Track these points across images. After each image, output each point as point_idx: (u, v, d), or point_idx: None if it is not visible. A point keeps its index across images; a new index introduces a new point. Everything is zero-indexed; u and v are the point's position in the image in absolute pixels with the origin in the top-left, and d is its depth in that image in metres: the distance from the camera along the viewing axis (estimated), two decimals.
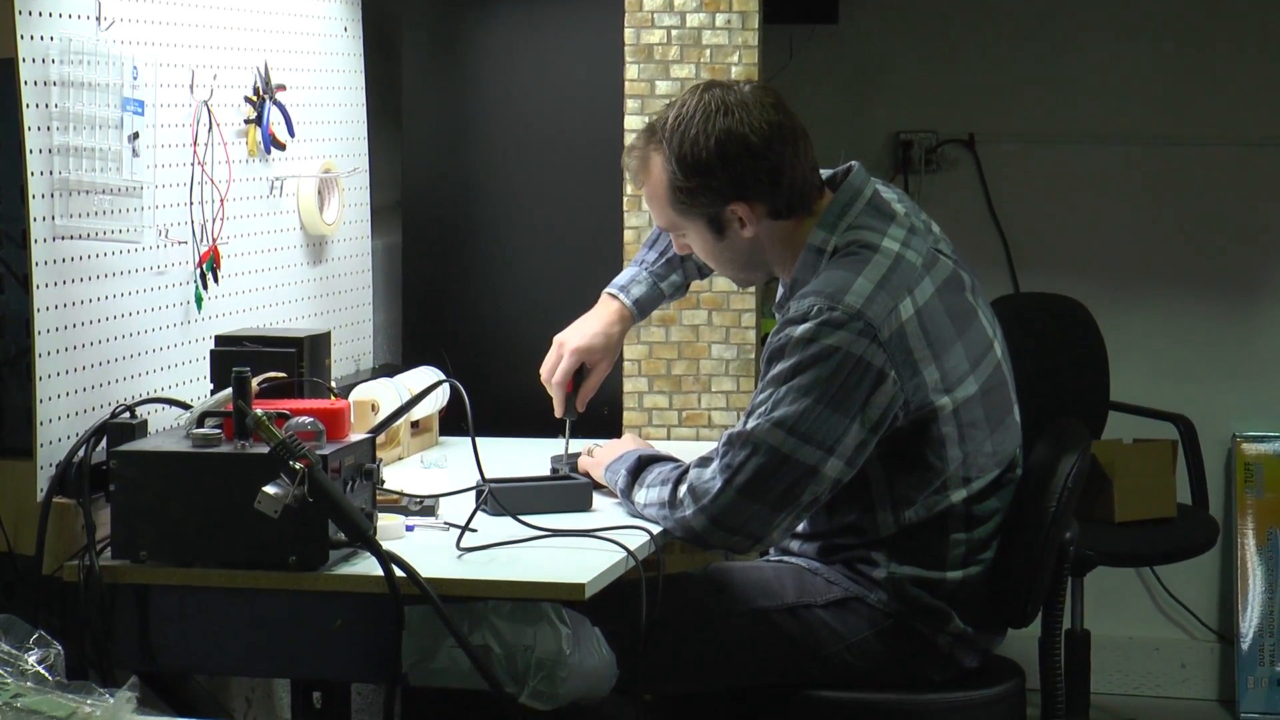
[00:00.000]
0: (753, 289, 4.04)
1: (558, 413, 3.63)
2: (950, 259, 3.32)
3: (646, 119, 4.03)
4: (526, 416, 3.80)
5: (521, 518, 3.17)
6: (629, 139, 4.05)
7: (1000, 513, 3.29)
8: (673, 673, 3.25)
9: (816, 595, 3.29)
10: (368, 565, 2.92)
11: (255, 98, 3.62)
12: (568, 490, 3.38)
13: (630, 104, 4.08)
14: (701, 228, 3.31)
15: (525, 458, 3.67)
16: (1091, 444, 3.44)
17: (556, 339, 3.64)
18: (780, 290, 3.44)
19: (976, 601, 3.28)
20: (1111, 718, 5.62)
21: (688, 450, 3.45)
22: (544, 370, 3.63)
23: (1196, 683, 5.83)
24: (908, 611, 3.26)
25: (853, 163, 3.36)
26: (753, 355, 4.08)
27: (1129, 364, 5.58)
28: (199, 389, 3.39)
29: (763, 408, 3.16)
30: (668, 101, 3.39)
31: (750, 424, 3.16)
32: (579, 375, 3.62)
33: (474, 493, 3.28)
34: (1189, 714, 5.76)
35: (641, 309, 3.69)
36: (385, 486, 3.20)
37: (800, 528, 3.32)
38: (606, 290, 3.69)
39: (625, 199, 4.07)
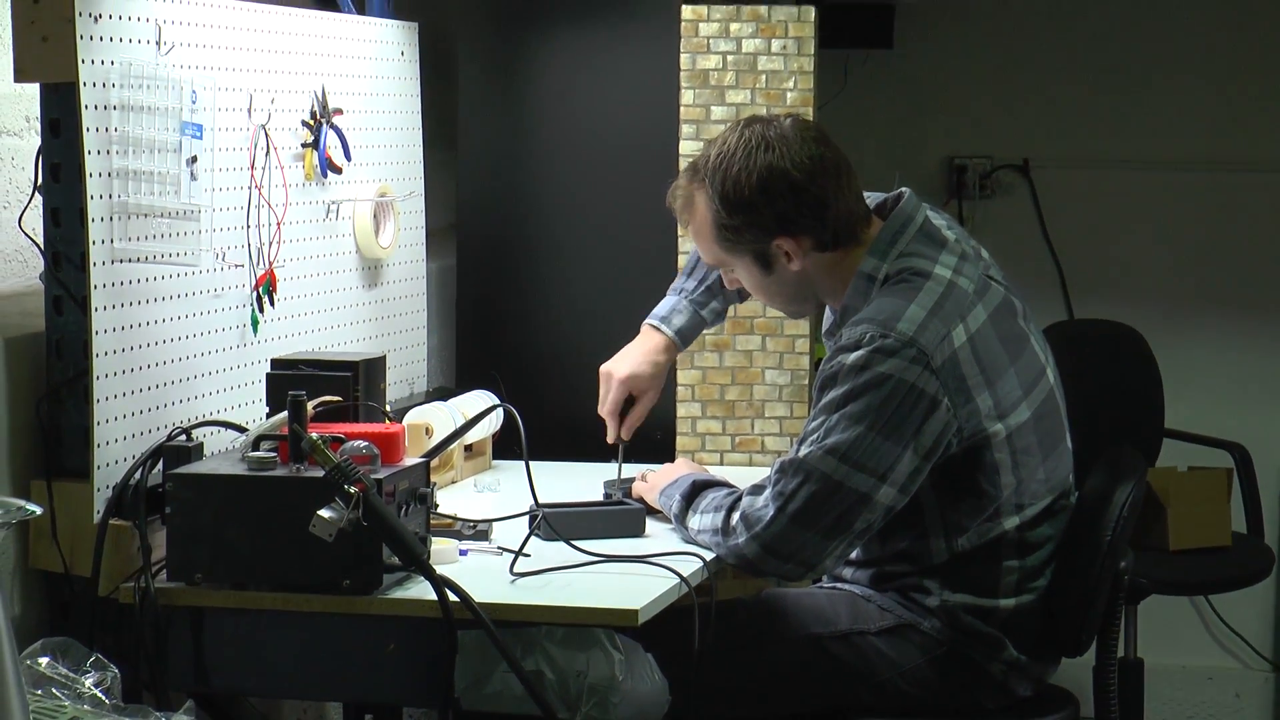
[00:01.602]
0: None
1: (609, 440, 3.64)
2: (1002, 285, 3.31)
3: (701, 144, 4.04)
4: (580, 441, 3.80)
5: (575, 543, 3.17)
6: (683, 164, 4.05)
7: (1053, 540, 3.28)
8: (725, 699, 3.24)
9: (870, 622, 3.28)
10: (421, 589, 2.92)
11: (312, 122, 3.63)
12: (621, 515, 3.38)
13: (685, 129, 4.08)
14: (749, 263, 3.31)
15: (579, 482, 3.67)
16: (1146, 472, 3.42)
17: (603, 370, 3.66)
18: (828, 317, 3.43)
19: (1030, 629, 3.27)
20: None
21: (741, 476, 3.45)
22: (600, 403, 3.66)
23: (1250, 712, 5.79)
24: (961, 639, 3.25)
25: (903, 189, 3.35)
26: (806, 381, 4.08)
27: (1184, 391, 5.55)
28: (255, 412, 3.40)
29: (815, 435, 3.15)
30: (719, 132, 3.39)
31: (803, 451, 3.15)
32: (627, 404, 3.64)
33: (528, 517, 3.28)
34: None
35: (684, 338, 3.69)
36: (439, 510, 3.20)
37: (853, 555, 3.31)
38: (647, 321, 3.70)
39: (680, 225, 4.06)
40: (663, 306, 3.72)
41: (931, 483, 3.18)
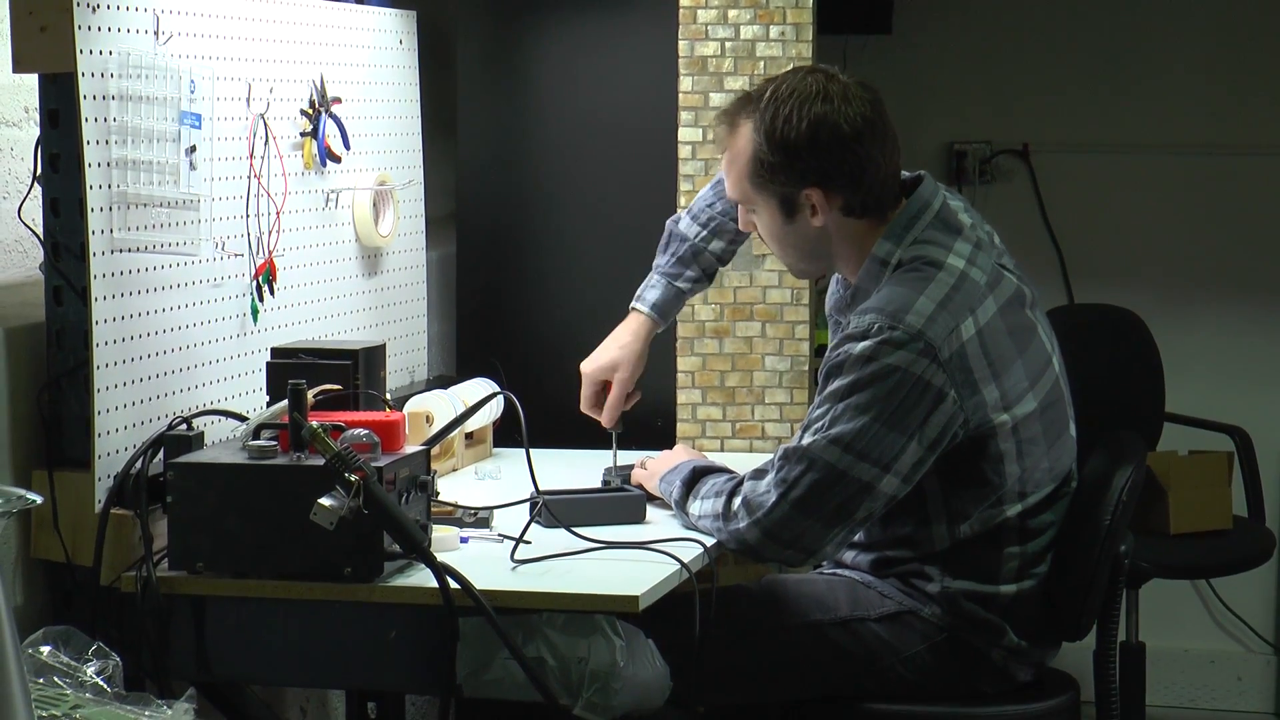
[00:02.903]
0: (805, 301, 4.05)
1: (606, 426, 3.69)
2: (1014, 274, 3.30)
3: (701, 131, 4.04)
4: (580, 428, 3.81)
5: (575, 530, 3.18)
6: (683, 151, 4.06)
7: (1054, 526, 3.28)
8: (725, 684, 3.25)
9: (870, 609, 3.28)
10: (422, 577, 2.93)
11: (311, 111, 3.63)
12: (622, 502, 3.39)
13: (684, 116, 4.08)
14: (773, 207, 3.29)
15: (579, 469, 3.67)
16: (1147, 456, 3.42)
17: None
18: (832, 293, 3.43)
19: (1030, 615, 3.27)
20: None
21: (741, 462, 3.45)
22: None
23: (1252, 695, 5.80)
24: (961, 625, 3.26)
25: (921, 172, 3.34)
26: (806, 367, 4.08)
27: (1184, 375, 5.56)
28: (255, 401, 3.41)
29: (819, 424, 3.15)
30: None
31: (806, 440, 3.15)
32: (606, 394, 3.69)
33: (528, 505, 3.29)
34: None
35: (660, 310, 3.71)
36: (440, 498, 3.21)
37: (855, 539, 3.32)
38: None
39: (679, 209, 4.07)
40: (640, 287, 3.74)
41: (936, 470, 3.18)
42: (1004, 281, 3.26)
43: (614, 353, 3.68)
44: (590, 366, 3.70)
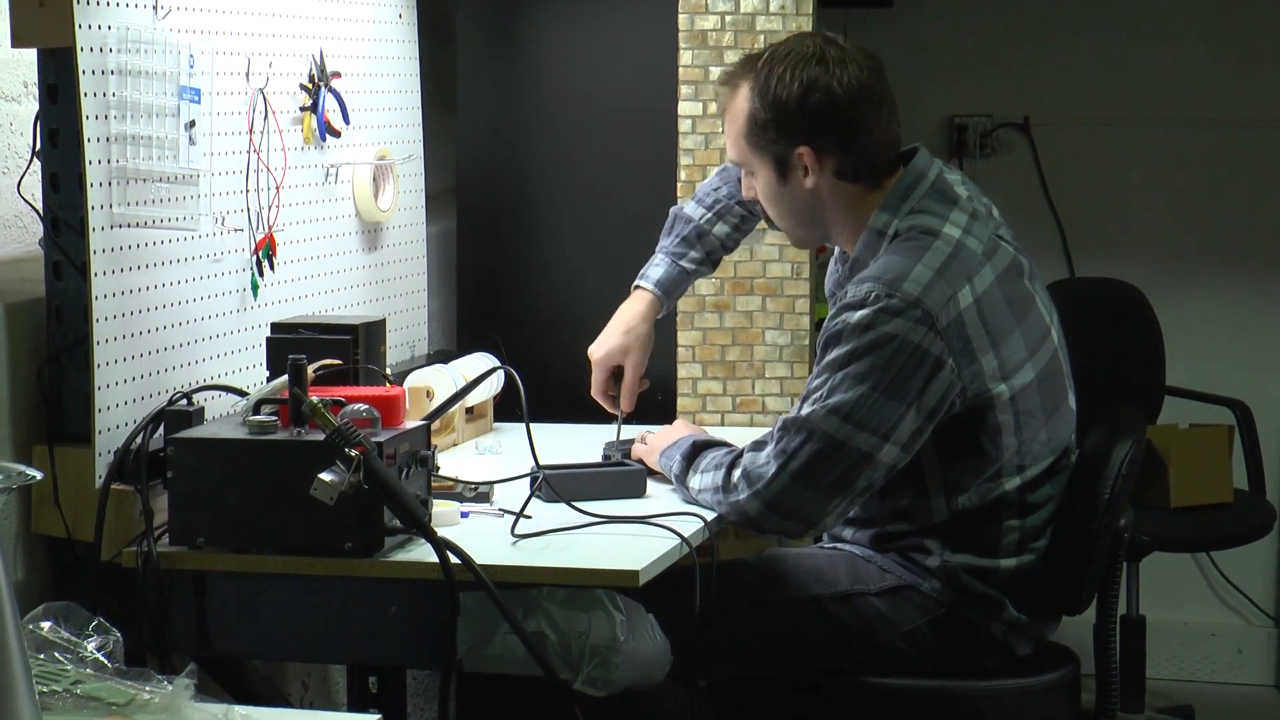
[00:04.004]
0: (806, 275, 4.04)
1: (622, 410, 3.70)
2: (1011, 245, 3.30)
3: (701, 105, 4.04)
4: (581, 402, 3.81)
5: (576, 504, 3.18)
6: (684, 125, 4.06)
7: (1054, 500, 3.29)
8: (725, 659, 3.26)
9: (870, 583, 3.29)
10: (423, 552, 2.93)
11: (310, 85, 3.63)
12: (622, 477, 3.39)
13: (684, 90, 4.08)
14: (769, 168, 3.31)
15: (580, 444, 3.67)
16: (1147, 429, 3.42)
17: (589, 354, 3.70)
18: (831, 274, 3.44)
19: (1030, 589, 3.27)
20: (1167, 703, 5.59)
21: (742, 437, 3.45)
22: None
23: (1253, 668, 5.81)
24: (961, 600, 3.26)
25: (916, 145, 3.35)
26: (807, 341, 4.08)
27: (1185, 349, 5.56)
28: (255, 376, 3.41)
29: (818, 394, 3.16)
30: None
31: (805, 410, 3.16)
32: (619, 377, 3.69)
33: (528, 479, 3.28)
34: (1245, 699, 5.74)
35: (664, 288, 3.71)
36: (440, 473, 3.21)
37: (853, 514, 3.32)
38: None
39: (679, 185, 4.07)
40: (645, 266, 3.75)
41: (933, 442, 3.19)
42: (1001, 251, 3.26)
43: (621, 338, 3.69)
44: (600, 352, 3.69)
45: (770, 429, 3.23)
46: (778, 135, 3.27)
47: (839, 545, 3.39)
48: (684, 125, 4.08)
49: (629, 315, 3.71)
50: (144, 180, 3.11)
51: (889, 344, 3.12)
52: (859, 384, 3.12)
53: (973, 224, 3.26)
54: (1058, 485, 3.29)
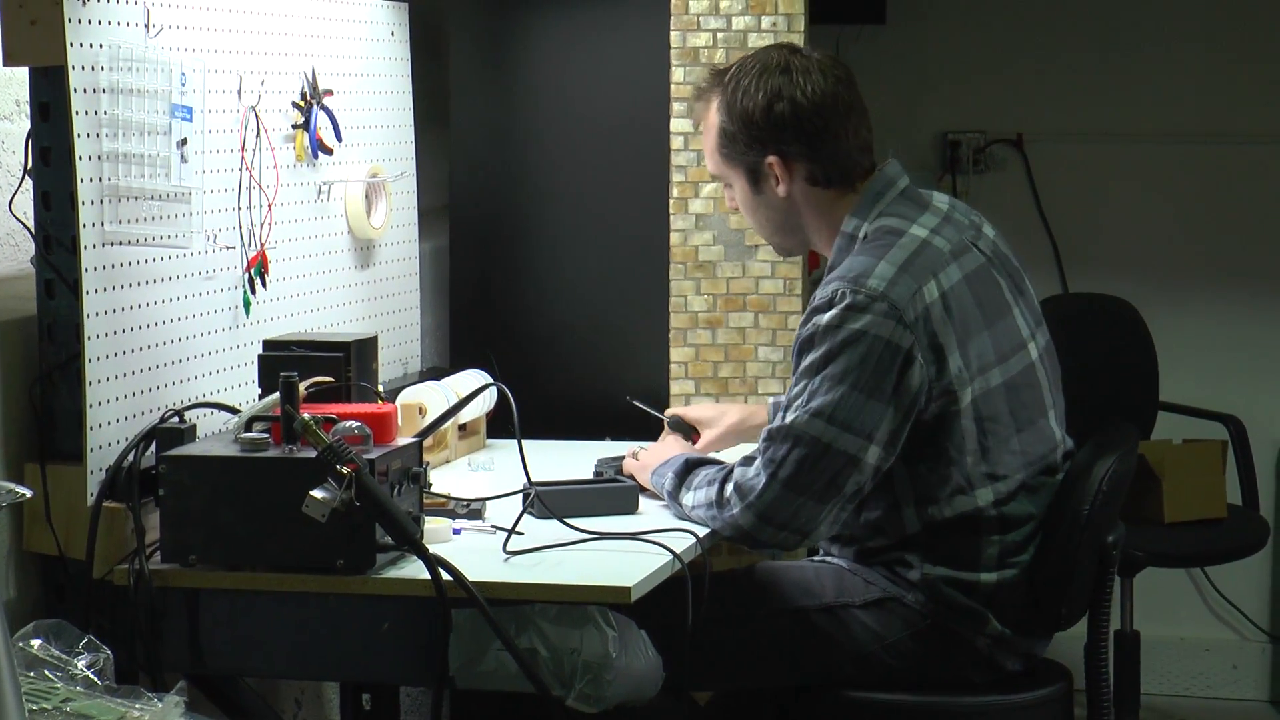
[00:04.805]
0: (798, 292, 4.05)
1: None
2: (984, 255, 3.32)
3: (693, 122, 4.04)
4: (573, 419, 3.82)
5: (568, 521, 3.18)
6: (675, 142, 4.06)
7: (1036, 518, 3.29)
8: (712, 671, 3.26)
9: (855, 595, 3.29)
10: (415, 569, 2.93)
11: (302, 103, 3.63)
12: (614, 493, 3.39)
13: (676, 106, 4.09)
14: (743, 179, 3.36)
15: (572, 461, 3.68)
16: (1140, 444, 3.42)
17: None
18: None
19: (1014, 604, 3.27)
20: (1162, 719, 5.60)
21: (733, 453, 3.45)
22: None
23: (1248, 683, 5.81)
24: (943, 612, 3.26)
25: (890, 157, 3.39)
26: None
27: (1179, 364, 5.56)
28: (247, 393, 3.41)
29: (799, 400, 3.18)
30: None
31: (789, 417, 3.17)
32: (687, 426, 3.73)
33: (520, 496, 3.28)
34: (1240, 715, 5.74)
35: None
36: (432, 490, 3.21)
37: (834, 534, 3.33)
38: None
39: (672, 201, 4.07)
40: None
41: (900, 449, 3.20)
42: (969, 255, 3.30)
43: (714, 411, 3.74)
44: (695, 413, 3.75)
45: (758, 443, 3.23)
46: (747, 146, 3.32)
47: (828, 559, 3.39)
48: (676, 142, 4.08)
49: (739, 409, 3.76)
50: (136, 198, 3.11)
51: (860, 340, 3.14)
52: (838, 385, 3.15)
53: (943, 226, 3.30)
54: (1039, 503, 3.29)
